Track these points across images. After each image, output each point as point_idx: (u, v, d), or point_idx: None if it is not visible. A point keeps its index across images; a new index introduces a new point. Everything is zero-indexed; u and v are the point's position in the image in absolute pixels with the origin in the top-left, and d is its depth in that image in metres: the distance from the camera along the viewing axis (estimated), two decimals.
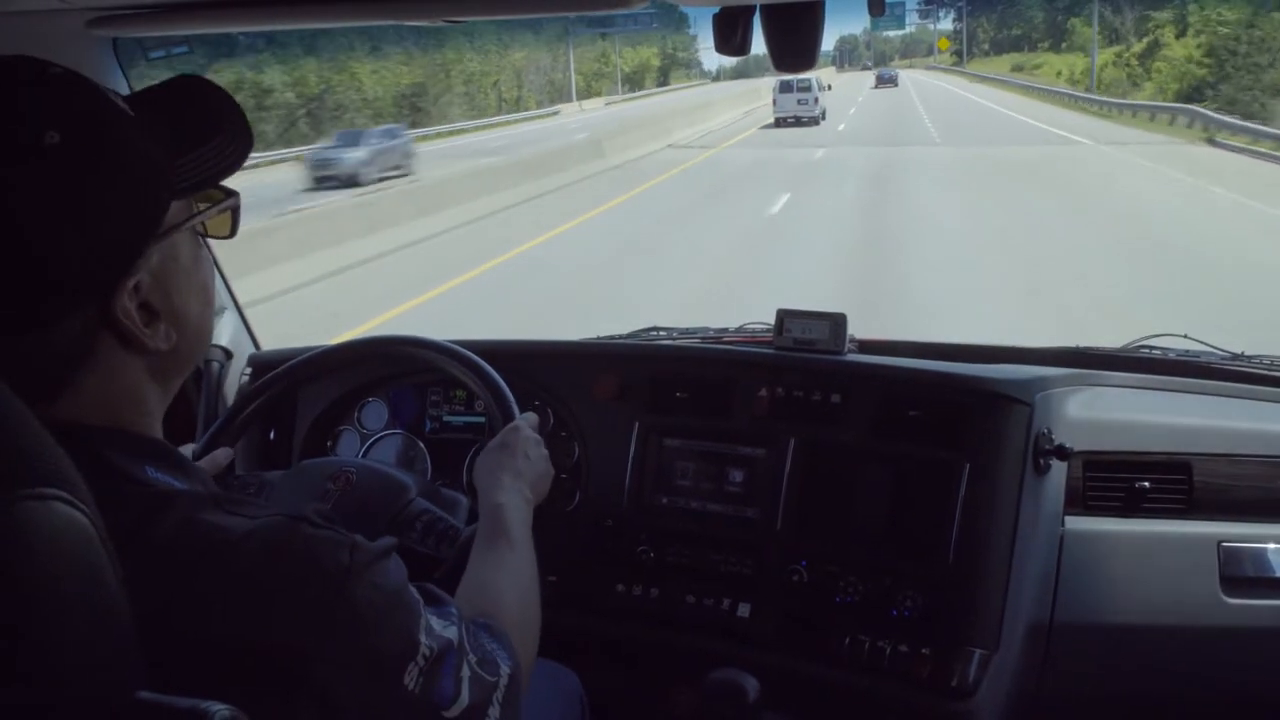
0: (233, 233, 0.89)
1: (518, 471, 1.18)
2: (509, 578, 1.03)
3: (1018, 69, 57.87)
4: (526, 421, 1.27)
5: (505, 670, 0.85)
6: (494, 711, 0.81)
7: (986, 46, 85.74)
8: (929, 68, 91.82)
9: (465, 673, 0.79)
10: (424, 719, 0.76)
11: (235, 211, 0.88)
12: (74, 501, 0.58)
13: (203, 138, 0.80)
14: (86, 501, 0.59)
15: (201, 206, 0.83)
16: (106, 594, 0.60)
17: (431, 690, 0.76)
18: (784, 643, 1.49)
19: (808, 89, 30.66)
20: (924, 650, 1.40)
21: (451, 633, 0.80)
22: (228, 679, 0.67)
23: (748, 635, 1.52)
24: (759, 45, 1.29)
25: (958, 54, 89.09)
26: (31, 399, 0.61)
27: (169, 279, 0.78)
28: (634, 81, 72.66)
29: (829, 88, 44.24)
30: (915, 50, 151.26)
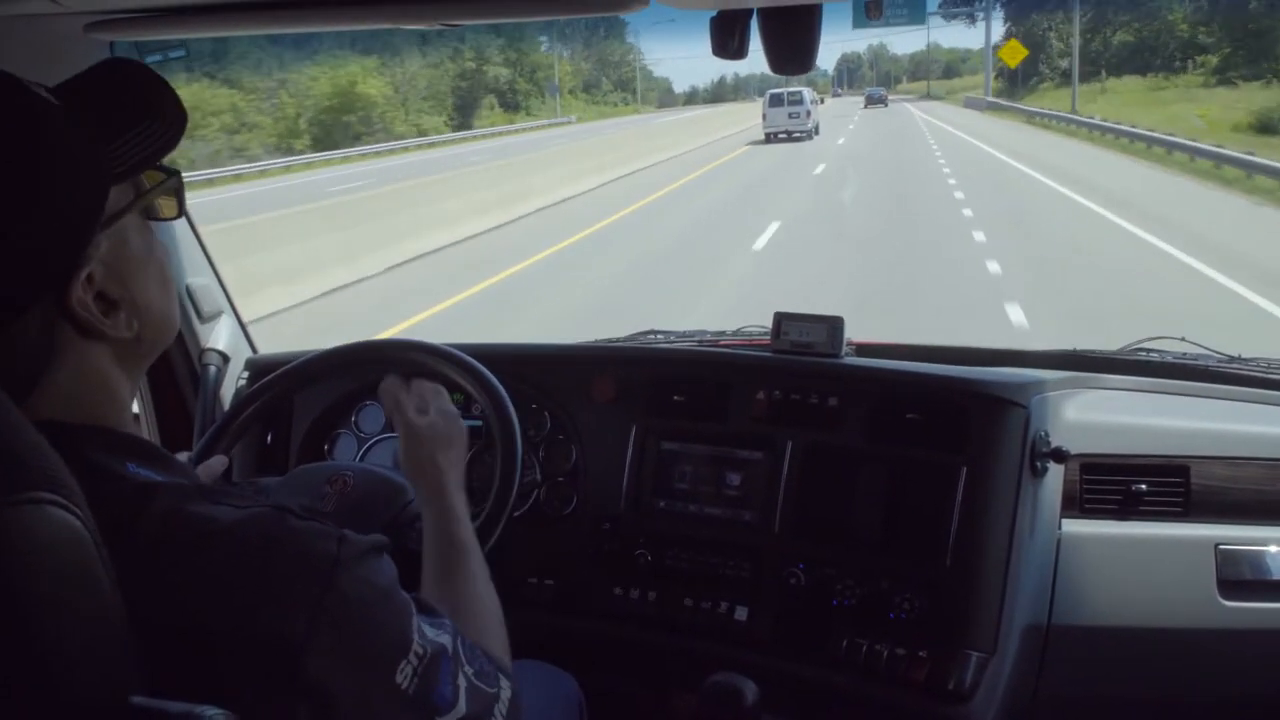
0: (180, 213, 0.90)
1: (439, 465, 1.11)
2: (480, 594, 1.00)
3: None
4: (391, 385, 1.18)
5: (506, 685, 0.85)
6: None
7: (1065, 64, 45.02)
8: (968, 103, 49.27)
9: (462, 681, 0.79)
10: None
11: (179, 191, 0.88)
12: (68, 505, 0.58)
13: (133, 121, 0.80)
14: (80, 504, 0.59)
15: (144, 189, 0.83)
16: (101, 598, 0.60)
17: (428, 692, 0.75)
18: (781, 646, 1.49)
19: (799, 102, 29.66)
20: (921, 653, 1.40)
21: (445, 639, 0.79)
22: (223, 673, 0.67)
23: (745, 638, 1.51)
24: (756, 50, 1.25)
25: (1007, 77, 50.53)
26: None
27: (122, 266, 0.78)
28: (326, 132, 36.21)
29: (821, 101, 41.50)
30: (928, 70, 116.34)
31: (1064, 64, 46.48)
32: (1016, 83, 50.76)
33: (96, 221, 0.75)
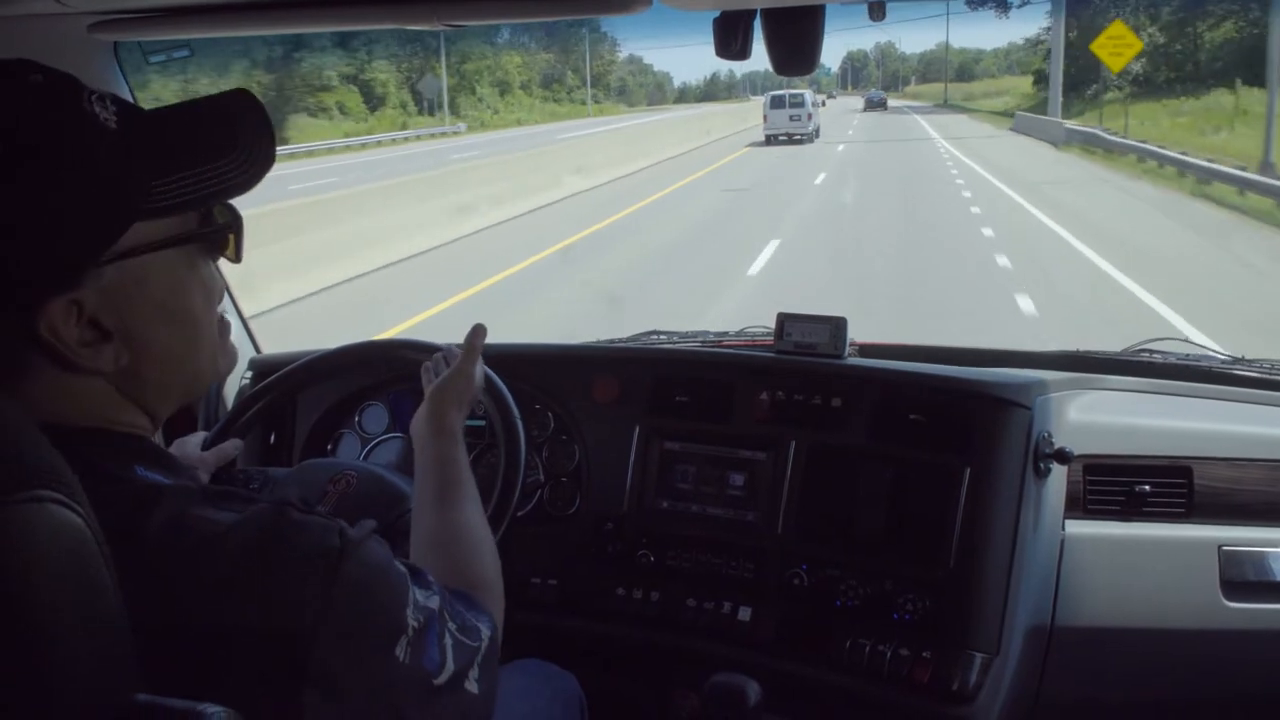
0: (237, 257, 0.85)
1: (454, 413, 1.16)
2: (471, 532, 1.03)
3: None
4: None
5: (486, 634, 0.86)
6: (473, 673, 0.82)
7: (1138, 69, 28.97)
8: (1021, 125, 29.95)
9: (448, 640, 0.80)
10: (417, 689, 0.76)
11: (238, 235, 0.84)
12: (70, 503, 0.57)
13: (207, 156, 0.77)
14: (82, 503, 0.59)
15: (187, 231, 0.79)
16: (103, 597, 0.60)
17: (421, 659, 0.76)
18: (784, 646, 1.49)
19: (800, 104, 29.35)
20: (924, 654, 1.40)
21: (434, 602, 0.80)
22: (231, 670, 0.68)
23: (748, 639, 1.51)
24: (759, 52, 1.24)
25: (1043, 82, 31.90)
26: None
27: (126, 300, 0.74)
28: None
29: (824, 103, 39.63)
30: (938, 71, 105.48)
31: (1135, 68, 28.78)
32: (1065, 91, 30.39)
33: (99, 251, 0.72)
